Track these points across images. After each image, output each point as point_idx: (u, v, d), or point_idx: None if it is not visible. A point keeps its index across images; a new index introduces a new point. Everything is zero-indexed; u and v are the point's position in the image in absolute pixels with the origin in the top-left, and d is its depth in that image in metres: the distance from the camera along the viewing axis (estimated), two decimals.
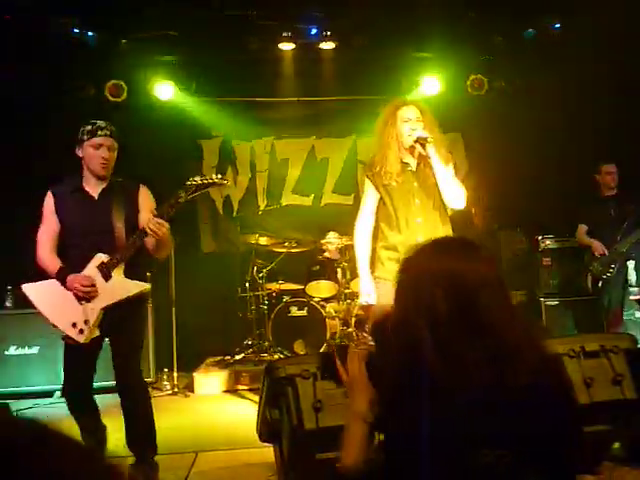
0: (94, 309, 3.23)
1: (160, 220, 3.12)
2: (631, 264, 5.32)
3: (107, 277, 3.25)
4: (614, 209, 5.46)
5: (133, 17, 6.18)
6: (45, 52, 6.07)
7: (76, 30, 6.09)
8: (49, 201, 3.40)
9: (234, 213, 7.16)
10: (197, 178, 3.26)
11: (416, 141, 3.25)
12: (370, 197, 3.46)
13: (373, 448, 1.56)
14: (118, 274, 3.25)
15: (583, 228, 5.61)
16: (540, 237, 6.24)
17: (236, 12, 6.28)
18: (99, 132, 3.33)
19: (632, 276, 5.32)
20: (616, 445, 2.89)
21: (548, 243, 6.22)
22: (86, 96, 6.52)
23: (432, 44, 6.71)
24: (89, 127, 3.35)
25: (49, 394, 5.44)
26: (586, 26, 6.43)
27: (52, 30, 5.99)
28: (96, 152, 3.33)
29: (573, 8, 6.35)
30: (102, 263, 3.24)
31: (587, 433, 2.71)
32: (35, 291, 3.41)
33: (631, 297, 5.39)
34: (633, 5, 5.67)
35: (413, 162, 3.39)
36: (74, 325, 3.27)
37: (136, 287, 3.29)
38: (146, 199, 3.46)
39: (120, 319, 3.23)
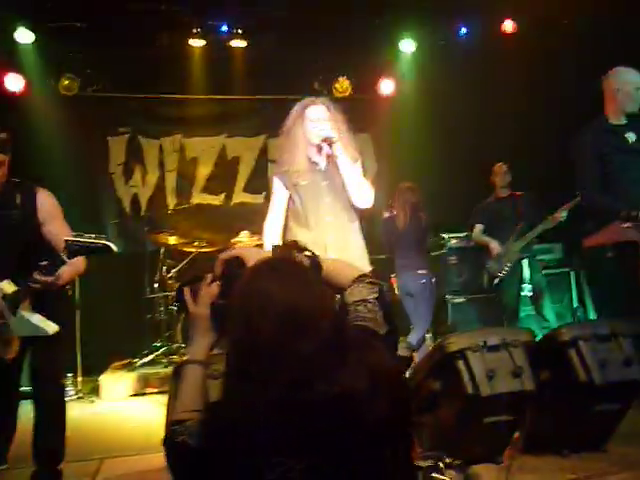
0: (10, 335, 3.00)
1: (44, 280, 2.75)
2: (525, 262, 5.57)
3: (13, 311, 2.94)
4: (508, 210, 5.67)
5: (37, 6, 5.91)
6: None
7: None
8: None
9: (142, 212, 6.98)
10: (83, 238, 2.68)
11: (323, 140, 3.27)
12: (279, 196, 3.45)
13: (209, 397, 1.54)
14: (24, 309, 2.94)
15: (479, 227, 5.80)
16: (446, 236, 6.43)
17: (146, 6, 6.14)
18: None
19: (526, 274, 5.58)
20: (516, 435, 3.02)
21: (454, 242, 6.42)
22: None
23: (343, 45, 6.80)
24: None
25: None
26: (493, 31, 6.73)
27: None
28: None
29: (478, 12, 6.64)
30: (4, 296, 2.92)
31: (489, 424, 2.84)
32: None
33: (523, 293, 5.64)
34: (536, 10, 5.98)
35: (322, 161, 3.40)
36: None
37: (38, 330, 2.95)
38: (47, 205, 3.08)
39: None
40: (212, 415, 1.40)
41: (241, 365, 1.34)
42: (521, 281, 5.59)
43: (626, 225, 3.58)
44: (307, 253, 1.65)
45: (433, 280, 5.54)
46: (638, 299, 3.60)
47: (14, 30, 6.06)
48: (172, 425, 1.48)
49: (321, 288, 1.43)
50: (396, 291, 5.65)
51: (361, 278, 1.61)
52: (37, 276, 2.77)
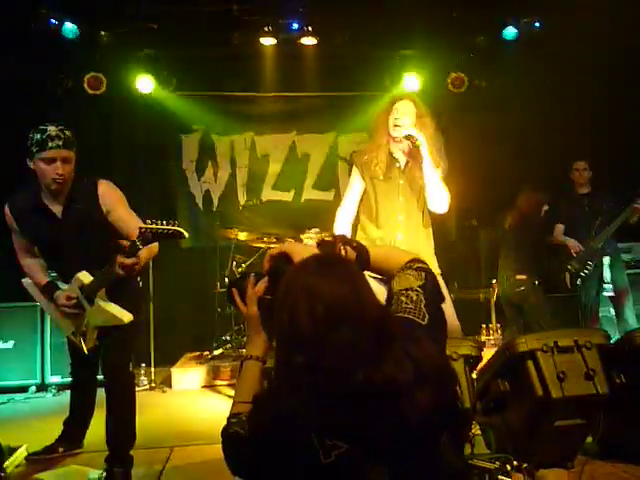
0: (88, 326, 3.17)
1: (128, 262, 2.82)
2: (606, 260, 5.37)
3: (90, 301, 3.08)
4: (588, 206, 5.52)
5: (114, 9, 6.13)
6: (22, 43, 5.99)
7: (54, 21, 6.02)
8: (9, 217, 3.15)
9: (214, 208, 7.13)
10: (156, 225, 2.77)
11: (406, 138, 3.24)
12: (355, 186, 3.44)
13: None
14: (101, 299, 3.07)
15: (560, 228, 5.64)
16: None
17: (218, 6, 6.26)
18: (50, 144, 2.90)
19: (607, 273, 5.38)
20: (589, 439, 2.92)
21: None
22: (64, 89, 6.46)
23: (414, 41, 6.73)
24: (38, 136, 2.92)
25: (24, 389, 5.40)
26: (567, 25, 6.48)
27: (31, 21, 5.92)
28: (48, 167, 2.94)
29: (554, 7, 6.41)
30: (82, 286, 3.08)
31: (560, 427, 2.75)
32: (35, 288, 3.35)
33: (605, 293, 5.44)
34: (614, 5, 5.73)
35: (402, 158, 3.38)
36: (73, 334, 3.29)
37: (114, 319, 3.07)
38: (108, 196, 3.13)
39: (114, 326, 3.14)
40: (262, 405, 1.44)
41: (288, 356, 1.37)
42: (602, 280, 5.40)
43: None
44: (354, 244, 1.67)
45: (536, 283, 5.33)
46: None
47: (95, 32, 6.30)
48: (230, 418, 1.53)
49: (363, 281, 1.45)
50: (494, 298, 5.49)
51: (409, 264, 1.60)
52: (121, 258, 2.84)
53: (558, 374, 2.66)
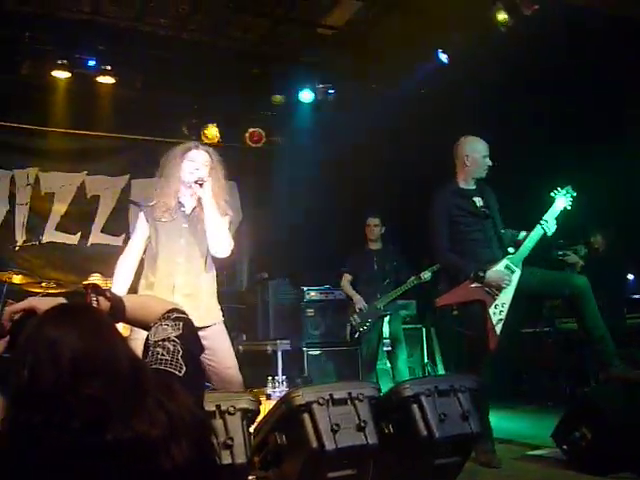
0: None
1: None
2: (387, 319, 5.72)
3: None
4: (377, 263, 5.83)
5: None
6: None
7: None
8: None
9: None
10: None
11: (195, 182, 3.23)
12: (139, 231, 3.36)
13: None
14: None
15: (347, 277, 5.91)
16: (305, 288, 6.48)
17: (10, 31, 5.85)
18: None
19: (386, 330, 5.72)
20: None
21: (313, 295, 6.48)
22: None
23: (215, 92, 6.82)
24: None
25: None
26: (359, 93, 7.00)
27: None
28: None
29: (347, 77, 6.91)
30: None
31: (333, 478, 2.81)
32: None
33: (384, 348, 5.78)
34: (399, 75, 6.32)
35: (189, 204, 3.37)
36: None
37: None
38: None
39: None
40: None
41: (25, 416, 1.24)
42: (381, 337, 5.72)
43: (474, 285, 3.77)
44: (107, 294, 1.59)
45: None
46: (482, 356, 3.78)
47: None
48: None
49: (114, 331, 1.37)
50: None
51: (167, 314, 1.56)
52: None
53: (332, 426, 2.72)
